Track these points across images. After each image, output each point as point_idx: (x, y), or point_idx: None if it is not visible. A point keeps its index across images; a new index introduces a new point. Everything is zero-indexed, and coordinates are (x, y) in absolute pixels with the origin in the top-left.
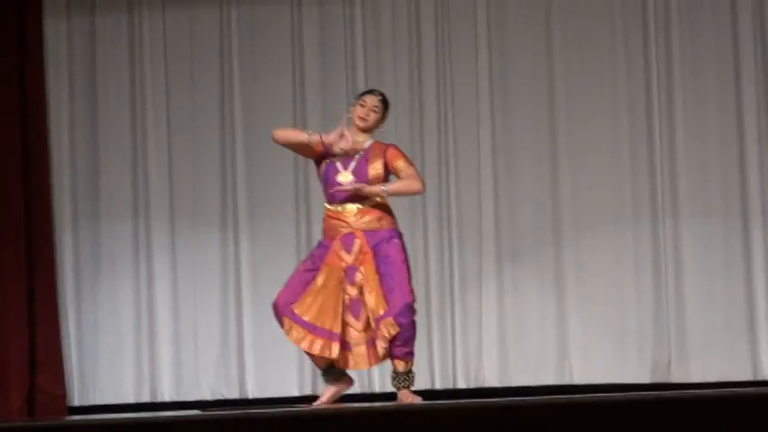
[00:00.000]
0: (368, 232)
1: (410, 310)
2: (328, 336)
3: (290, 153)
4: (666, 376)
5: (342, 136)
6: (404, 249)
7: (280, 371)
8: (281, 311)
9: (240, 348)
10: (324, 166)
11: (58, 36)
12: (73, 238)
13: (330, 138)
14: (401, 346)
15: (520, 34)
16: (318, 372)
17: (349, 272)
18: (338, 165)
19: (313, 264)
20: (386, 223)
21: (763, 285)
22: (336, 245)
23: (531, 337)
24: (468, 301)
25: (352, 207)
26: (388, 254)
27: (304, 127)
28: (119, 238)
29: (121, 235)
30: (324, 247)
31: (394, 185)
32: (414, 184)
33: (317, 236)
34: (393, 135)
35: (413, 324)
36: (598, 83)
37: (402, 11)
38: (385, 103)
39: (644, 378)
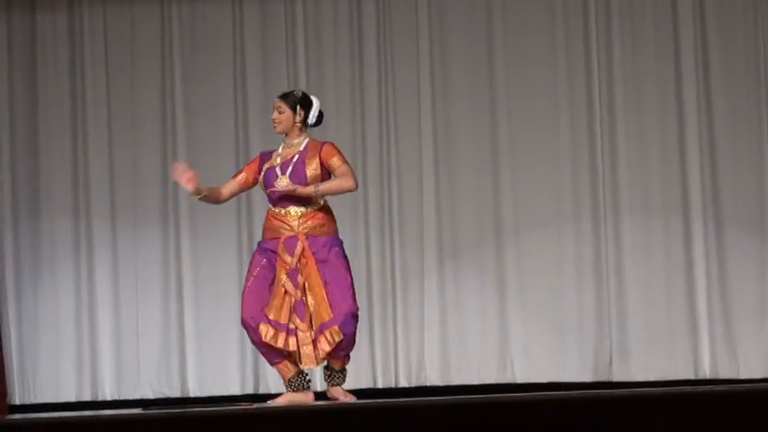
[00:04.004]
0: (310, 237)
1: (354, 319)
2: (286, 330)
3: (230, 151)
4: (608, 375)
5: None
6: (345, 257)
7: (221, 369)
8: (253, 322)
9: (181, 346)
10: (263, 171)
11: None
12: (13, 237)
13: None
14: (342, 350)
15: (461, 35)
16: (260, 370)
17: (291, 275)
18: (276, 169)
19: (268, 269)
20: (327, 230)
21: (704, 284)
22: (280, 248)
23: (473, 335)
24: (409, 300)
25: (295, 211)
26: (329, 260)
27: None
28: (59, 236)
29: (62, 233)
30: (268, 250)
31: (325, 185)
32: (345, 182)
33: (259, 234)
34: (335, 134)
35: (355, 332)
36: (539, 82)
37: (344, 9)
38: (287, 98)
39: (585, 377)
